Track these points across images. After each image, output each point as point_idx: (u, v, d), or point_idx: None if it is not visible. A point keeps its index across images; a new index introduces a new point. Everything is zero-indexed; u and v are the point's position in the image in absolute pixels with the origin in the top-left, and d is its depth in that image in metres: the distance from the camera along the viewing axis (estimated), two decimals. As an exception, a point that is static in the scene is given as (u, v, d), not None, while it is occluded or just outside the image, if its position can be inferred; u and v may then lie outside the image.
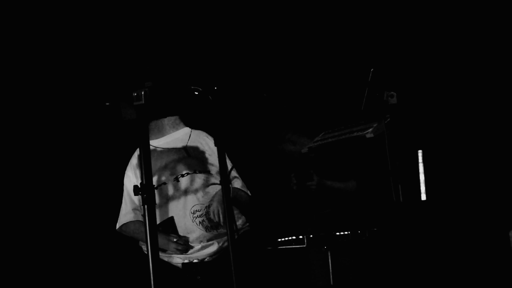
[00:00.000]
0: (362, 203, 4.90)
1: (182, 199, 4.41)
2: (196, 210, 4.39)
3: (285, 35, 5.76)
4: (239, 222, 4.48)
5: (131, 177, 4.51)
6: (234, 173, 4.56)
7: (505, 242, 4.00)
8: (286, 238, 4.32)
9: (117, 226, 4.50)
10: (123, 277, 5.25)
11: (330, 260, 4.19)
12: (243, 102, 4.87)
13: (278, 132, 5.24)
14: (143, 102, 3.60)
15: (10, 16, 5.19)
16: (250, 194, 4.56)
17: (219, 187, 4.35)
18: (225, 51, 5.64)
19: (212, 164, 4.52)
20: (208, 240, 4.39)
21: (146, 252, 4.15)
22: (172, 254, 4.37)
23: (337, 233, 4.23)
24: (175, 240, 4.32)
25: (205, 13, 5.61)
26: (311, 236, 4.20)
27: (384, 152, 4.55)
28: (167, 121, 4.58)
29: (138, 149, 4.49)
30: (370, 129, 4.58)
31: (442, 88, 5.53)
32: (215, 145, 3.58)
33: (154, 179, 4.37)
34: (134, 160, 4.54)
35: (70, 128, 5.32)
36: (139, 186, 3.48)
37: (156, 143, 4.54)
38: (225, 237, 4.35)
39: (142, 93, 3.60)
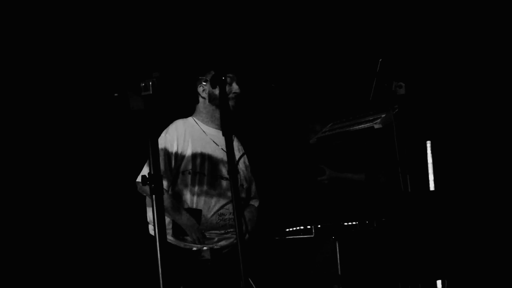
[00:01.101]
0: (371, 194, 4.90)
1: (215, 199, 4.45)
2: (223, 214, 4.44)
3: (295, 25, 5.76)
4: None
5: (174, 147, 4.46)
6: (254, 188, 4.68)
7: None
8: (294, 228, 4.33)
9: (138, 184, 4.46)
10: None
11: (338, 250, 4.19)
12: (251, 92, 4.88)
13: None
14: (151, 92, 3.60)
15: (16, 6, 5.20)
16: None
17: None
18: (233, 41, 5.63)
19: (241, 170, 4.60)
20: (225, 234, 4.45)
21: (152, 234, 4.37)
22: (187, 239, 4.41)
23: (345, 223, 4.23)
24: (201, 231, 4.37)
25: (214, 2, 5.61)
26: (319, 226, 4.21)
27: (393, 142, 4.54)
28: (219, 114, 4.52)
29: (183, 122, 4.56)
30: (379, 120, 4.58)
31: (451, 79, 5.51)
32: (223, 135, 3.58)
33: (198, 163, 4.45)
34: (177, 129, 4.52)
35: (78, 120, 5.32)
36: (147, 176, 3.48)
37: (208, 129, 4.57)
38: None
39: (150, 83, 3.60)
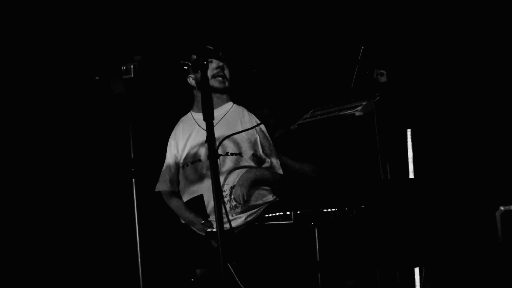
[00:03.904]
0: (350, 181, 4.91)
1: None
2: (223, 191, 4.43)
3: (276, 11, 5.74)
4: (269, 198, 4.54)
5: (172, 146, 4.58)
6: (267, 151, 4.63)
7: (492, 221, 4.02)
8: (273, 214, 4.33)
9: (156, 189, 4.59)
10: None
11: (317, 237, 4.20)
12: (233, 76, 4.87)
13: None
14: (132, 76, 3.61)
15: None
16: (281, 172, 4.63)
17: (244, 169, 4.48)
18: (215, 24, 5.61)
19: (246, 144, 4.55)
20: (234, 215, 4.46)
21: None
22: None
23: (324, 210, 4.23)
24: (202, 222, 4.39)
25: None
26: (298, 212, 4.21)
27: (373, 130, 4.56)
28: (213, 96, 4.50)
29: (182, 118, 4.65)
30: (360, 107, 4.59)
31: (433, 68, 5.52)
32: (204, 119, 3.56)
33: (190, 155, 4.50)
34: (176, 128, 4.63)
35: (60, 104, 5.29)
36: (129, 160, 3.50)
37: (197, 116, 4.56)
38: (253, 211, 4.45)
39: (131, 66, 3.61)
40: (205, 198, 4.45)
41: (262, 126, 4.64)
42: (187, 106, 4.71)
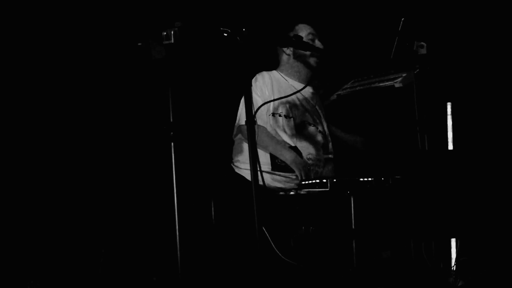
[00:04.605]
0: (387, 151, 4.93)
1: (304, 144, 4.74)
2: (310, 159, 4.71)
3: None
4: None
5: (258, 89, 4.76)
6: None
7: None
8: (310, 181, 4.37)
9: (236, 125, 4.81)
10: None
11: (352, 205, 4.23)
12: (271, 45, 4.91)
13: None
14: (172, 41, 3.67)
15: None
16: None
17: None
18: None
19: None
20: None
21: (237, 171, 4.77)
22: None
23: (361, 179, 4.27)
24: (309, 162, 4.66)
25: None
26: (335, 180, 4.25)
27: (412, 102, 4.56)
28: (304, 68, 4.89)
29: (266, 73, 4.89)
30: (399, 79, 4.61)
31: (474, 39, 5.49)
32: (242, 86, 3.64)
33: (283, 109, 4.76)
34: (262, 79, 4.83)
35: (103, 70, 5.36)
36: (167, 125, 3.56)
37: (290, 81, 4.90)
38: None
39: (172, 32, 3.67)
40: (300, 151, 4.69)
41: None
42: (226, 70, 5.00)
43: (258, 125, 4.60)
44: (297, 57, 4.86)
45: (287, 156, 4.62)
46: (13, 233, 5.01)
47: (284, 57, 4.93)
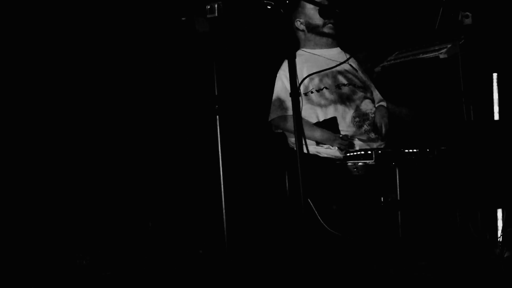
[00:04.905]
0: (431, 122, 4.92)
1: (343, 107, 4.70)
2: (355, 117, 4.69)
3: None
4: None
5: (284, 78, 4.73)
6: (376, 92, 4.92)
7: None
8: (355, 153, 4.37)
9: (269, 119, 4.78)
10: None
11: (397, 177, 4.23)
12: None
13: None
14: (216, 15, 3.70)
15: None
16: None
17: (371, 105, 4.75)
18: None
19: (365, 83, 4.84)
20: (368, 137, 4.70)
21: (292, 146, 4.71)
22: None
23: (406, 150, 4.26)
24: (340, 136, 4.57)
25: None
26: (380, 152, 4.25)
27: (458, 73, 4.54)
28: (322, 38, 4.87)
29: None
30: (444, 50, 4.58)
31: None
32: (286, 58, 3.65)
33: (314, 84, 4.71)
34: (284, 64, 4.79)
35: (148, 45, 5.40)
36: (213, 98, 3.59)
37: (315, 51, 4.86)
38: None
39: (216, 6, 3.69)
40: (339, 121, 4.64)
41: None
42: (270, 43, 4.95)
43: (286, 115, 4.66)
44: (311, 30, 4.83)
45: (316, 136, 4.63)
46: (63, 209, 5.10)
47: (301, 35, 4.88)
